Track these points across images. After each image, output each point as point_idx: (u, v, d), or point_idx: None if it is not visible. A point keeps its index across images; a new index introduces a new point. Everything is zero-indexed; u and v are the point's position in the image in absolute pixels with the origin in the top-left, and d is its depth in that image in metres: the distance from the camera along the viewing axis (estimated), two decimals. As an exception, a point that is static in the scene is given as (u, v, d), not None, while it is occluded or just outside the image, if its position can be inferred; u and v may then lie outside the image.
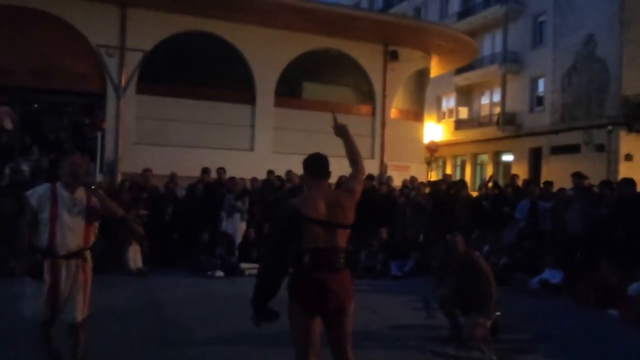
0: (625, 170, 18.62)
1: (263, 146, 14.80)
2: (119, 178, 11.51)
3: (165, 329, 5.92)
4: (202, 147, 13.60)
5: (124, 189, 10.08)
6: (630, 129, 20.83)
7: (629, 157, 20.78)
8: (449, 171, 29.47)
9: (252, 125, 14.90)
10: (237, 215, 10.10)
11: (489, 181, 11.95)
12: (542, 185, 11.27)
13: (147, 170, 10.69)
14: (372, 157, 16.03)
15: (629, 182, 8.79)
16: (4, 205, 9.05)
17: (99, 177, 12.29)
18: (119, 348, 5.16)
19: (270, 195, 10.79)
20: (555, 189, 10.68)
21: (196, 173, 11.15)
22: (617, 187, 9.09)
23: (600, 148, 21.28)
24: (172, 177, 10.83)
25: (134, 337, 5.54)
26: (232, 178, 10.58)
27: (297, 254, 3.34)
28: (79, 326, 4.06)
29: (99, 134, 13.50)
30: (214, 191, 10.53)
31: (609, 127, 20.93)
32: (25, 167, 11.65)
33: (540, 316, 7.15)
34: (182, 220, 10.01)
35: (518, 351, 5.57)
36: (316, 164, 3.67)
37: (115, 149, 12.35)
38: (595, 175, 13.86)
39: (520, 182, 11.93)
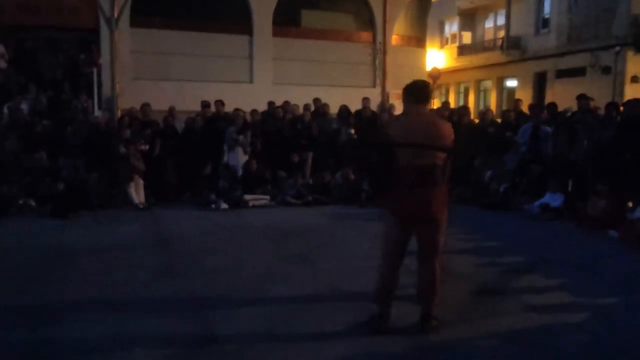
0: (631, 93, 18.30)
1: (262, 78, 14.57)
2: (118, 114, 11.41)
3: (173, 260, 6.03)
4: (200, 80, 13.42)
5: (124, 124, 10.02)
6: (638, 50, 20.32)
7: (635, 79, 20.39)
8: (452, 98, 29.15)
9: (251, 57, 14.61)
10: (239, 149, 10.06)
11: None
12: (545, 108, 11.08)
13: (146, 105, 10.58)
14: (374, 85, 15.82)
15: (636, 102, 8.62)
16: (5, 145, 9.06)
17: (97, 114, 12.23)
18: (129, 279, 5.26)
19: (271, 127, 10.73)
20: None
21: (195, 107, 11.04)
22: (623, 109, 8.95)
23: (606, 70, 20.85)
24: (171, 112, 10.72)
25: (144, 268, 5.64)
26: (236, 110, 10.46)
27: (397, 172, 3.70)
28: None
29: (95, 70, 13.29)
30: (214, 124, 10.46)
31: (617, 48, 20.41)
32: (24, 106, 11.57)
33: (540, 239, 7.24)
34: (183, 155, 10.00)
35: (518, 272, 5.67)
36: (418, 90, 3.94)
37: (112, 84, 12.17)
38: (601, 99, 13.65)
39: (524, 107, 11.79)
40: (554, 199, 8.60)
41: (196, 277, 5.36)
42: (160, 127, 10.32)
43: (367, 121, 11.03)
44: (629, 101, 9.09)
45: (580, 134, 8.79)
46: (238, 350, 3.71)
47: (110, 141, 9.54)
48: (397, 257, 3.92)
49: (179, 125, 10.59)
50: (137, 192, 9.15)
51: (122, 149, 9.29)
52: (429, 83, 4.11)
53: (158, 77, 13.29)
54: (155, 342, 3.84)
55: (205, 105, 10.90)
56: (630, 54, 20.36)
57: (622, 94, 19.51)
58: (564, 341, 3.92)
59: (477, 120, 11.86)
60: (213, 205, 9.13)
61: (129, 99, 11.96)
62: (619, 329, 4.16)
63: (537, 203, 8.73)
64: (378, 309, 3.98)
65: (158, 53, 13.40)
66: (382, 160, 3.80)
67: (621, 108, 9.11)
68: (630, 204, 7.63)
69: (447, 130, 3.88)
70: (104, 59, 12.66)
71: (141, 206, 8.98)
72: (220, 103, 10.90)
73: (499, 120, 11.39)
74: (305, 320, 4.25)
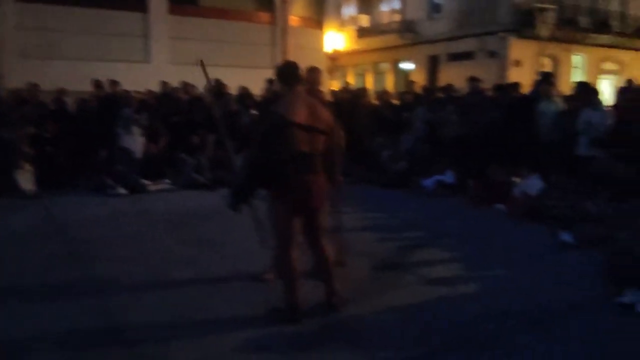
0: (514, 75, 19.64)
1: (159, 57, 14.09)
2: (3, 95, 10.57)
3: (70, 249, 5.73)
4: (92, 60, 12.74)
5: (10, 106, 9.28)
6: (520, 36, 21.81)
7: (517, 63, 21.91)
8: (350, 80, 29.67)
9: (146, 35, 14.05)
10: (136, 130, 9.66)
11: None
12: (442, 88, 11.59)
13: (33, 85, 9.87)
14: (273, 66, 15.75)
15: (514, 86, 9.50)
16: None
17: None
18: (23, 269, 5.00)
19: (170, 108, 10.40)
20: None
21: (88, 88, 10.45)
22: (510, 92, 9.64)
23: (492, 54, 22.22)
24: (61, 92, 10.06)
25: (39, 259, 5.34)
26: (126, 91, 10.03)
27: (283, 157, 3.64)
28: None
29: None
30: (109, 105, 9.95)
31: (501, 34, 21.78)
32: None
33: (435, 215, 7.64)
34: (75, 138, 9.44)
35: (417, 247, 5.97)
36: (288, 71, 3.90)
37: (-4, 63, 11.26)
38: (487, 81, 14.52)
39: (417, 89, 12.28)
40: (447, 176, 9.09)
41: (96, 265, 5.15)
42: (50, 108, 9.68)
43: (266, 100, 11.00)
44: (508, 85, 9.87)
45: (472, 114, 9.31)
46: (142, 340, 3.63)
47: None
48: (289, 242, 3.87)
49: (70, 107, 9.99)
50: (25, 180, 8.55)
51: (7, 134, 8.58)
52: (295, 63, 3.97)
53: (46, 55, 12.44)
54: (54, 335, 3.67)
55: (98, 84, 10.34)
56: (513, 40, 21.81)
57: (505, 76, 20.89)
58: (460, 311, 4.19)
59: (375, 102, 12.20)
60: (110, 191, 8.74)
61: (14, 79, 11.11)
62: (506, 296, 4.51)
63: (431, 180, 9.19)
64: (287, 298, 3.92)
65: (45, 30, 12.55)
66: (271, 142, 3.66)
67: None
68: (516, 180, 8.23)
69: (327, 114, 3.88)
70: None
71: (31, 194, 8.40)
72: (114, 83, 10.39)
73: (396, 102, 11.80)
74: (212, 305, 4.23)
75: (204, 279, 4.83)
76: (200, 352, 3.47)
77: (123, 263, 5.23)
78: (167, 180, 9.35)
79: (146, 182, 9.08)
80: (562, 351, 3.57)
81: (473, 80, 9.90)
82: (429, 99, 10.44)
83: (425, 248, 5.94)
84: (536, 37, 21.48)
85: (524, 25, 21.43)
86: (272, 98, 11.05)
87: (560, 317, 4.11)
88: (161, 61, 13.98)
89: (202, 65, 4.60)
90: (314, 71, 5.06)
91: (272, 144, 3.65)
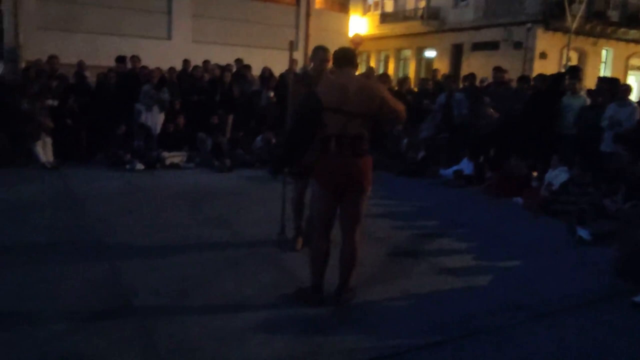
0: (539, 68, 19.33)
1: (181, 34, 14.05)
2: (22, 66, 10.62)
3: (84, 219, 5.77)
4: (114, 34, 12.72)
5: (30, 77, 9.32)
6: (547, 27, 21.40)
7: (543, 55, 21.53)
8: (372, 66, 29.45)
9: (169, 12, 14.01)
10: (156, 107, 9.68)
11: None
12: (463, 78, 11.42)
13: (53, 57, 9.89)
14: (296, 48, 15.65)
15: (543, 78, 9.16)
16: None
17: (-1, 65, 11.35)
18: (37, 237, 5.03)
19: (189, 87, 10.38)
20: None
21: (108, 62, 10.46)
22: (533, 83, 9.42)
23: (518, 45, 21.86)
24: (81, 66, 10.07)
25: (52, 227, 5.39)
26: (144, 67, 10.00)
27: (322, 139, 3.68)
28: None
29: (-5, 17, 12.27)
30: (129, 81, 9.95)
31: (528, 25, 21.39)
32: None
33: (451, 204, 7.57)
34: (95, 112, 9.47)
35: (432, 235, 5.91)
36: (341, 54, 3.87)
37: (16, 34, 11.28)
38: (512, 72, 14.30)
39: (439, 77, 12.12)
40: (467, 167, 8.99)
41: (109, 238, 5.17)
42: (70, 81, 9.70)
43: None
44: (538, 76, 9.62)
45: (494, 105, 9.15)
46: (153, 314, 3.64)
47: (13, 95, 8.83)
48: (324, 224, 3.87)
49: (90, 81, 10.01)
50: (44, 151, 8.62)
51: (26, 105, 8.61)
52: (351, 49, 4.00)
53: (67, 28, 12.45)
54: (64, 305, 3.68)
55: (120, 60, 10.33)
56: (540, 31, 21.42)
57: (531, 68, 20.57)
58: (472, 301, 4.15)
59: (396, 88, 12.07)
60: (128, 166, 8.77)
61: (34, 50, 11.14)
62: (519, 289, 4.45)
63: (450, 170, 9.10)
64: (312, 279, 3.92)
65: (67, 2, 12.52)
66: (306, 124, 3.74)
67: (532, 82, 9.59)
68: (535, 174, 8.13)
69: (377, 90, 3.78)
70: (6, 4, 11.67)
71: (49, 165, 8.46)
72: (136, 59, 10.38)
73: (417, 89, 11.66)
74: (225, 283, 4.22)
75: (218, 256, 4.82)
76: (212, 330, 3.46)
77: (136, 237, 5.24)
78: (184, 153, 9.36)
79: (165, 154, 9.10)
80: (571, 346, 3.52)
81: (498, 70, 9.71)
82: (448, 88, 10.24)
83: (440, 237, 5.88)
84: (564, 30, 21.05)
85: (552, 16, 21.03)
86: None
87: (571, 312, 4.06)
88: (183, 39, 13.94)
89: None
90: None
91: (309, 125, 3.70)
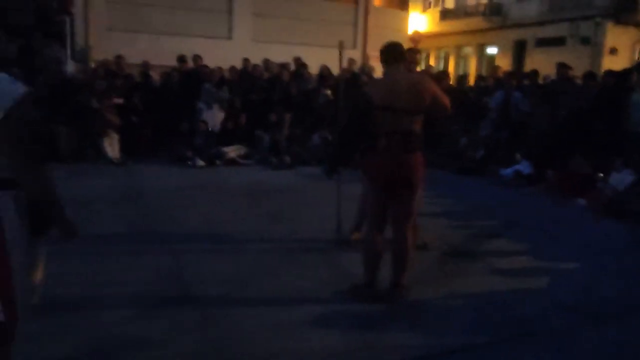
0: (609, 64, 18.51)
1: (242, 34, 14.31)
2: (91, 66, 11.14)
3: (146, 213, 6.03)
4: (176, 34, 13.11)
5: (98, 77, 9.79)
6: (618, 21, 20.44)
7: (613, 51, 20.59)
8: (432, 63, 29.06)
9: (230, 11, 14.31)
10: (216, 105, 9.95)
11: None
12: (527, 75, 11.09)
13: (119, 57, 10.34)
14: (354, 47, 15.67)
15: (611, 74, 8.80)
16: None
17: (70, 65, 11.92)
18: (102, 229, 5.28)
19: (249, 85, 10.61)
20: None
21: (170, 62, 10.82)
22: (601, 80, 9.07)
23: (585, 41, 20.99)
24: (145, 66, 10.49)
25: (117, 219, 5.66)
26: (205, 66, 10.28)
27: (373, 137, 3.70)
28: None
29: (68, 19, 12.88)
30: (191, 80, 10.28)
31: (597, 19, 20.50)
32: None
33: (510, 204, 7.41)
34: (159, 110, 9.84)
35: (487, 236, 5.82)
36: (388, 50, 3.90)
37: (86, 35, 11.83)
38: (578, 70, 13.79)
39: (500, 74, 11.84)
40: (526, 166, 8.76)
41: (172, 231, 5.38)
42: (136, 80, 10.12)
43: (348, 83, 10.98)
44: (606, 72, 9.25)
45: (559, 102, 8.87)
46: (213, 304, 3.77)
47: (82, 93, 9.32)
48: (379, 223, 3.91)
49: (154, 80, 10.40)
50: (111, 147, 9.03)
51: (95, 103, 9.05)
52: (398, 44, 3.94)
53: (133, 28, 12.94)
54: (127, 292, 3.86)
55: (182, 59, 10.69)
56: (610, 26, 20.49)
57: (600, 65, 19.72)
58: (525, 303, 4.06)
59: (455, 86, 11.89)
60: (189, 162, 9.08)
61: (102, 51, 11.66)
62: (577, 291, 4.32)
63: (510, 169, 8.89)
64: (365, 276, 3.97)
65: (134, 3, 13.03)
66: (357, 123, 3.78)
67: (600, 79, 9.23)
68: (600, 175, 7.82)
69: (427, 86, 3.77)
70: (78, 7, 12.26)
71: (116, 161, 8.88)
72: (198, 58, 10.71)
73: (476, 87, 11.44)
74: (282, 277, 4.31)
75: (275, 251, 4.93)
76: (268, 322, 3.54)
77: (197, 231, 5.43)
78: (243, 148, 9.59)
79: (226, 149, 9.35)
80: (626, 352, 3.41)
81: (562, 66, 9.41)
82: (507, 85, 9.98)
83: (497, 237, 5.78)
84: (636, 24, 20.05)
85: (623, 9, 20.05)
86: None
87: (626, 317, 3.91)
88: (243, 38, 14.21)
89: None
90: (411, 52, 5.09)
91: (360, 124, 3.74)
